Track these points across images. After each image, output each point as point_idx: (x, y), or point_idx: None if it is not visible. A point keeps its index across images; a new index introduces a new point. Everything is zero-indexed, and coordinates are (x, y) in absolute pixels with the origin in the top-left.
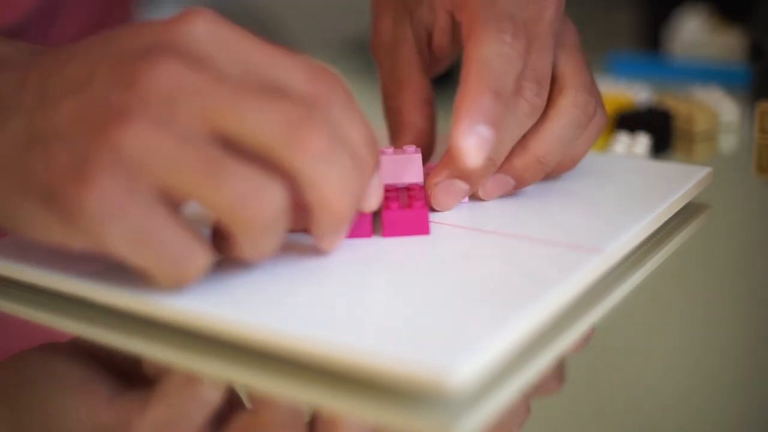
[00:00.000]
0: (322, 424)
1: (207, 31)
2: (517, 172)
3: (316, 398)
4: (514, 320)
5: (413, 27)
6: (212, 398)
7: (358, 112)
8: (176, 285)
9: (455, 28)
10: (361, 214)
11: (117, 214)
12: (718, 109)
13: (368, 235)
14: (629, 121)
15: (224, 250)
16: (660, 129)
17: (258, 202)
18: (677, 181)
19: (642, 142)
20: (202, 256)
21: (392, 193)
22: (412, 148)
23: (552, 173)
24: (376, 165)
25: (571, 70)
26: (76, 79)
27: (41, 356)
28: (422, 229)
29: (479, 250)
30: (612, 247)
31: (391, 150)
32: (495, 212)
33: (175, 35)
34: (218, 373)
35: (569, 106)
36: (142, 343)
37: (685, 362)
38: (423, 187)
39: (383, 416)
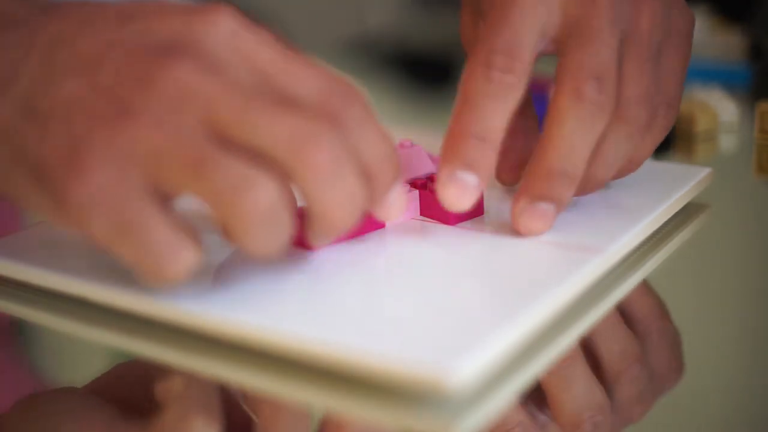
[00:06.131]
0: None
1: (227, 33)
2: (540, 193)
3: (317, 398)
4: (515, 320)
5: None
6: None
7: (375, 126)
8: (160, 281)
9: None
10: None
11: (103, 204)
12: (718, 109)
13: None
14: None
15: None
16: None
17: (250, 194)
18: (677, 181)
19: None
20: (188, 253)
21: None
22: (408, 141)
23: (584, 188)
24: (394, 179)
25: (574, 44)
26: (84, 60)
27: (46, 396)
28: (479, 211)
29: (480, 250)
30: (612, 247)
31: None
32: (496, 213)
33: (194, 34)
34: (217, 374)
35: (569, 100)
36: (141, 343)
37: (685, 362)
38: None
39: (383, 416)
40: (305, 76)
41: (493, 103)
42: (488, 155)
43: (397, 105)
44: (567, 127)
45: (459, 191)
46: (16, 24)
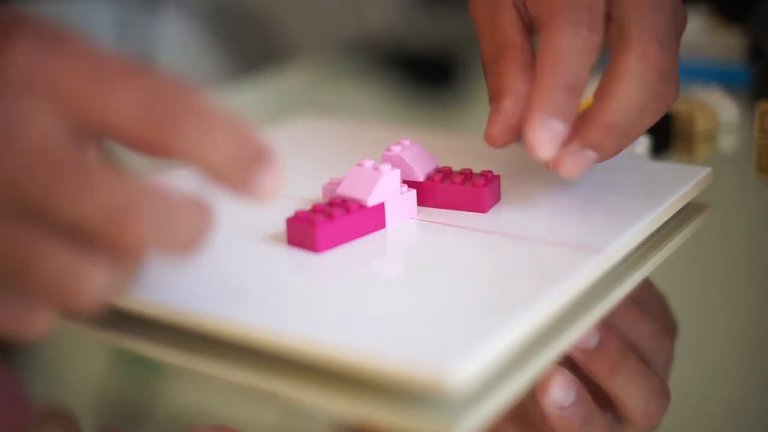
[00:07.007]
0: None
1: (21, 58)
2: (594, 142)
3: (317, 398)
4: (515, 320)
5: None
6: None
7: (217, 124)
8: (79, 310)
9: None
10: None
11: None
12: (718, 109)
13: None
14: None
15: None
16: (660, 129)
17: (76, 291)
18: (677, 181)
19: (642, 142)
20: (96, 277)
21: (456, 176)
22: (407, 141)
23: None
24: (256, 163)
25: (636, 12)
26: None
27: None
28: (496, 197)
29: (479, 250)
30: (612, 247)
31: (399, 148)
32: (495, 212)
33: None
34: (217, 374)
35: (637, 62)
36: (141, 343)
37: (684, 362)
38: (449, 169)
39: (383, 416)
40: (122, 93)
41: (581, 57)
42: (575, 106)
43: (397, 105)
44: (632, 86)
45: (549, 136)
46: None
